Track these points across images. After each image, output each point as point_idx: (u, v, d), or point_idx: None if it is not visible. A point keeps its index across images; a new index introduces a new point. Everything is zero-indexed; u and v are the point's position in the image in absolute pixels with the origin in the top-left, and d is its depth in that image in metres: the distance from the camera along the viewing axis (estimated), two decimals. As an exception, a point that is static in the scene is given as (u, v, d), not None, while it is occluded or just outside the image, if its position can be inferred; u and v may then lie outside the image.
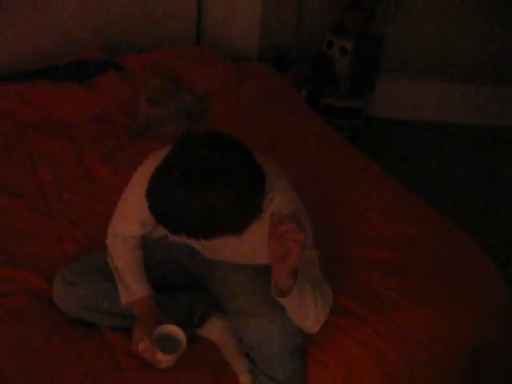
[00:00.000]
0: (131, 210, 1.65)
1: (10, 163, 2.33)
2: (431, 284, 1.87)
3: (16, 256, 1.88)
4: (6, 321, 1.67)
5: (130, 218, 1.66)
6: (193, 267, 1.81)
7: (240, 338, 1.60)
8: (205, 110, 2.72)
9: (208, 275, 1.80)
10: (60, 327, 1.65)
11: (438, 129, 3.85)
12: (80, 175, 2.30)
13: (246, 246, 1.58)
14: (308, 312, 1.43)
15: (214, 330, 1.68)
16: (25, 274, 1.81)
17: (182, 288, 1.81)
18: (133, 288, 1.62)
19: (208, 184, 1.24)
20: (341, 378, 1.65)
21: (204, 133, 1.33)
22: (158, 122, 2.53)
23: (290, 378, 1.54)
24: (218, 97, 2.87)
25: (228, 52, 3.26)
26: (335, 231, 2.05)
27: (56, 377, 1.51)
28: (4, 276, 1.81)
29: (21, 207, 2.10)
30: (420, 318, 1.77)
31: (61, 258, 1.89)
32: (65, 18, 3.01)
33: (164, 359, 1.51)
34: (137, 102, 2.64)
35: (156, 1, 3.21)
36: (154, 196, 1.30)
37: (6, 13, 2.83)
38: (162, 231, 1.77)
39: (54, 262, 1.87)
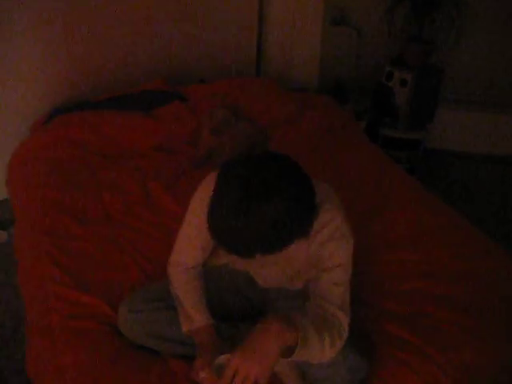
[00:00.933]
0: (191, 238, 1.68)
1: (78, 190, 2.41)
2: (495, 321, 1.83)
3: (84, 281, 1.94)
4: (75, 344, 1.72)
5: (191, 247, 1.69)
6: (253, 295, 1.83)
7: (303, 369, 1.60)
8: (266, 140, 2.75)
9: (269, 304, 1.81)
10: (125, 353, 1.69)
11: (498, 161, 3.77)
12: (144, 203, 2.36)
13: (294, 263, 1.60)
14: (315, 355, 1.40)
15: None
16: (92, 299, 1.87)
17: (243, 317, 1.82)
18: (193, 316, 1.64)
19: (265, 198, 1.24)
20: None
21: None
22: (220, 152, 2.57)
23: None
24: (278, 127, 2.91)
25: (288, 83, 3.31)
26: (399, 265, 2.05)
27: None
28: (73, 300, 1.87)
29: (88, 233, 2.17)
30: (484, 355, 1.73)
31: (126, 285, 1.94)
32: (132, 50, 3.13)
33: None
34: (200, 132, 2.70)
35: (217, 33, 3.30)
36: (215, 219, 1.30)
37: (78, 46, 2.96)
38: (221, 259, 1.80)
39: (119, 288, 1.92)
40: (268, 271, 1.75)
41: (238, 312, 1.83)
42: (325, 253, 1.49)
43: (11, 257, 2.48)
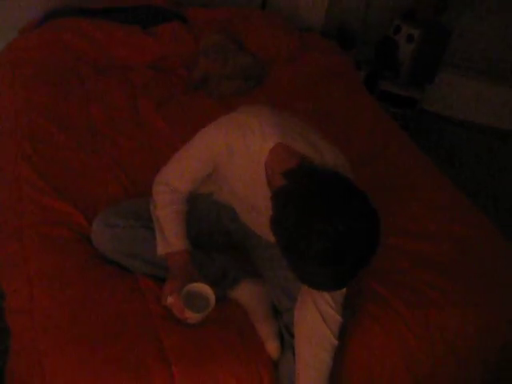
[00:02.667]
0: (188, 167, 1.62)
1: (65, 97, 2.33)
2: (468, 285, 1.83)
3: (61, 189, 1.89)
4: (45, 249, 1.68)
5: (184, 175, 1.63)
6: (233, 230, 1.80)
7: (279, 310, 1.61)
8: (263, 75, 2.69)
9: (247, 240, 1.79)
10: (95, 264, 1.67)
11: (490, 133, 3.75)
12: (132, 119, 2.29)
13: None
14: None
15: (244, 293, 1.67)
16: (68, 207, 1.83)
17: (219, 248, 1.80)
18: (171, 240, 1.60)
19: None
20: (362, 361, 1.65)
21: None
22: (215, 79, 2.50)
23: None
24: (277, 64, 2.83)
25: (292, 21, 3.21)
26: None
27: (85, 313, 1.52)
28: (47, 206, 1.82)
29: (71, 142, 2.11)
30: (453, 319, 1.74)
31: (103, 198, 1.89)
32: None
33: (191, 316, 1.50)
34: (196, 56, 2.62)
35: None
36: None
37: None
38: (208, 188, 1.76)
39: (96, 201, 1.88)
40: (252, 217, 1.71)
41: (214, 242, 1.81)
42: None
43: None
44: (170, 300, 1.52)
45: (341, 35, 3.39)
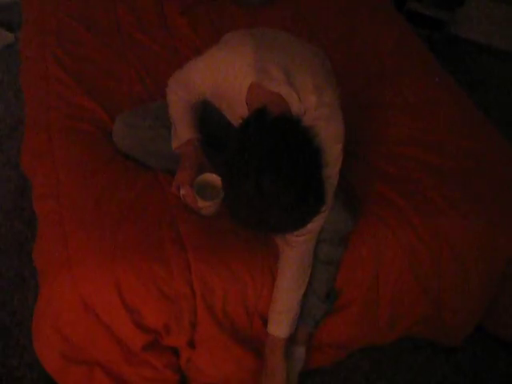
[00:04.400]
0: (196, 81, 1.57)
1: (91, -2, 2.35)
2: (479, 198, 1.86)
3: (87, 85, 1.95)
4: (70, 141, 1.76)
5: (190, 88, 1.60)
6: None
7: None
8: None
9: None
10: (117, 158, 1.74)
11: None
12: (158, 22, 2.31)
13: None
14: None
15: None
16: (93, 104, 1.89)
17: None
18: (181, 131, 1.62)
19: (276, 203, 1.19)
20: (369, 264, 1.71)
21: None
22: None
23: (328, 258, 1.62)
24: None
25: None
26: (399, 129, 2.05)
27: (108, 199, 1.61)
28: (73, 101, 1.89)
29: (98, 42, 2.15)
30: (460, 229, 1.78)
31: (127, 97, 1.95)
32: None
33: (204, 205, 1.54)
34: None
35: None
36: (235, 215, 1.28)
37: None
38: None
39: (120, 98, 1.94)
40: None
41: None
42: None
43: (15, 60, 2.47)
44: (182, 191, 1.55)
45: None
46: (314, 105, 1.41)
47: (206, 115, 1.71)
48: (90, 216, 1.56)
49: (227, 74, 1.44)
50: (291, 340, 1.70)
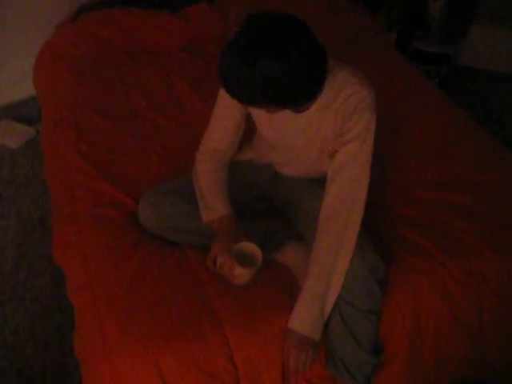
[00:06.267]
0: (218, 119, 1.71)
1: (104, 86, 2.45)
2: (508, 230, 1.85)
3: (108, 172, 2.01)
4: (98, 229, 1.80)
5: (218, 128, 1.71)
6: (272, 193, 1.87)
7: None
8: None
9: (286, 204, 1.85)
10: (144, 241, 1.77)
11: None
12: (170, 101, 2.38)
13: (315, 138, 1.62)
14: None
15: (289, 255, 1.74)
16: (115, 190, 1.94)
17: (261, 215, 1.87)
18: (214, 205, 1.68)
19: (263, 53, 1.29)
20: (408, 311, 1.69)
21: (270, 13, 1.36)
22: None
23: (369, 306, 1.60)
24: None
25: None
26: (414, 174, 2.06)
27: (140, 284, 1.63)
28: (97, 189, 1.94)
29: (114, 128, 2.22)
30: (494, 265, 1.76)
31: (148, 178, 2.00)
32: None
33: (241, 273, 1.57)
34: (226, 33, 2.67)
35: None
36: (221, 67, 1.35)
37: None
38: (248, 155, 1.84)
39: (141, 181, 1.99)
40: (292, 164, 1.77)
41: (256, 210, 1.88)
42: (349, 124, 1.52)
43: (38, 152, 2.56)
44: (220, 260, 1.59)
45: (369, -2, 3.38)
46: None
47: (233, 182, 1.77)
48: (123, 303, 1.58)
49: None
50: None
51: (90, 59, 2.62)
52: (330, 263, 1.54)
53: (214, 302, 1.58)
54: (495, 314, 1.77)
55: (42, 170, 2.33)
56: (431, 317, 1.72)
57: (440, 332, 1.74)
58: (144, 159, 2.09)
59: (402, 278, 1.70)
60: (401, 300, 1.68)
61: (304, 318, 1.54)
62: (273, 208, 1.90)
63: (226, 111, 1.69)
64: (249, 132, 1.81)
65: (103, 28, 2.71)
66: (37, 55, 2.80)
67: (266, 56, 1.29)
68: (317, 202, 1.64)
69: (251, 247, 1.61)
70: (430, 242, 1.78)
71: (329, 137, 1.60)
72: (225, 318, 1.55)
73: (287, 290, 1.64)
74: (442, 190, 1.99)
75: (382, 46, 2.90)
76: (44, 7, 2.97)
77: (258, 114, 1.66)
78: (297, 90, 1.37)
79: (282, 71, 1.30)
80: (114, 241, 1.76)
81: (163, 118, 2.29)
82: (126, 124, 2.24)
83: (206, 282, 1.64)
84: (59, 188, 2.04)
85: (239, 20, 2.65)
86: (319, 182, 1.74)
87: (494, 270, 1.76)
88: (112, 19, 2.73)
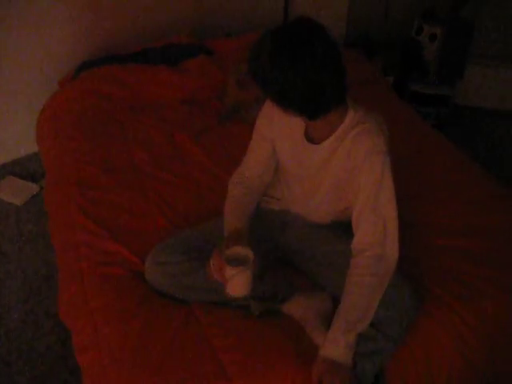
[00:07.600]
0: (254, 146, 1.83)
1: (105, 142, 2.47)
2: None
3: (112, 230, 2.00)
4: (103, 288, 1.79)
5: (253, 153, 1.83)
6: (281, 240, 1.88)
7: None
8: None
9: (296, 252, 1.86)
10: (151, 299, 1.76)
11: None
12: (171, 154, 2.40)
13: (334, 170, 1.66)
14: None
15: (296, 308, 1.73)
16: (119, 247, 1.93)
17: (271, 266, 1.86)
18: (229, 222, 1.73)
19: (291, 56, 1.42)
20: (420, 357, 1.67)
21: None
22: (246, 106, 2.58)
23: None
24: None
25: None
26: (419, 219, 2.06)
27: (146, 343, 1.61)
28: (102, 248, 1.94)
29: (116, 183, 2.23)
30: (506, 308, 1.76)
31: (152, 234, 1.99)
32: (159, 3, 3.14)
33: (232, 274, 1.54)
34: (226, 85, 2.71)
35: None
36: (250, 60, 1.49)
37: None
38: (271, 205, 1.89)
39: (145, 237, 1.98)
40: (310, 203, 1.79)
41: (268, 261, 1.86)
42: (364, 166, 1.58)
43: (42, 208, 2.56)
44: (212, 262, 1.60)
45: (364, 43, 3.43)
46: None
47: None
48: (130, 363, 1.56)
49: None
50: None
51: (92, 115, 2.64)
52: (366, 294, 1.56)
53: (221, 357, 1.56)
54: (508, 357, 1.76)
55: (46, 225, 2.33)
56: (443, 362, 1.70)
57: (452, 377, 1.71)
58: (148, 214, 2.08)
59: (414, 325, 1.67)
60: (413, 346, 1.66)
61: (338, 345, 1.52)
62: (281, 256, 1.90)
63: (258, 143, 1.81)
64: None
65: (104, 84, 2.74)
66: (39, 113, 2.83)
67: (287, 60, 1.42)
68: (327, 246, 1.73)
69: (244, 250, 1.59)
70: (438, 287, 1.78)
71: (341, 174, 1.65)
72: (233, 373, 1.53)
73: (295, 339, 1.63)
74: (447, 235, 1.99)
75: (382, 90, 2.93)
76: (46, 65, 3.02)
77: (283, 148, 1.76)
78: (304, 97, 1.47)
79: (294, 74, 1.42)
80: (120, 299, 1.75)
81: (165, 171, 2.30)
82: (127, 179, 2.25)
83: (212, 336, 1.62)
84: (64, 246, 2.04)
85: (238, 70, 2.70)
86: (330, 228, 1.80)
87: (505, 313, 1.75)
88: (112, 75, 2.77)
